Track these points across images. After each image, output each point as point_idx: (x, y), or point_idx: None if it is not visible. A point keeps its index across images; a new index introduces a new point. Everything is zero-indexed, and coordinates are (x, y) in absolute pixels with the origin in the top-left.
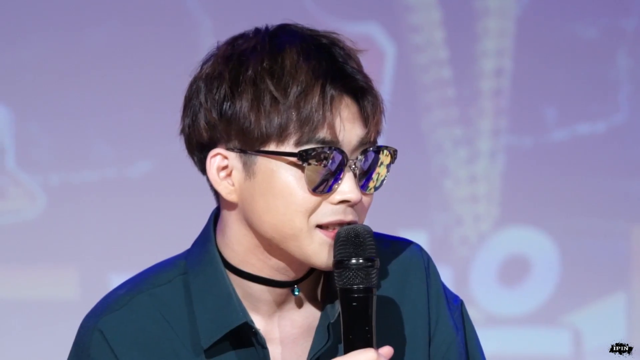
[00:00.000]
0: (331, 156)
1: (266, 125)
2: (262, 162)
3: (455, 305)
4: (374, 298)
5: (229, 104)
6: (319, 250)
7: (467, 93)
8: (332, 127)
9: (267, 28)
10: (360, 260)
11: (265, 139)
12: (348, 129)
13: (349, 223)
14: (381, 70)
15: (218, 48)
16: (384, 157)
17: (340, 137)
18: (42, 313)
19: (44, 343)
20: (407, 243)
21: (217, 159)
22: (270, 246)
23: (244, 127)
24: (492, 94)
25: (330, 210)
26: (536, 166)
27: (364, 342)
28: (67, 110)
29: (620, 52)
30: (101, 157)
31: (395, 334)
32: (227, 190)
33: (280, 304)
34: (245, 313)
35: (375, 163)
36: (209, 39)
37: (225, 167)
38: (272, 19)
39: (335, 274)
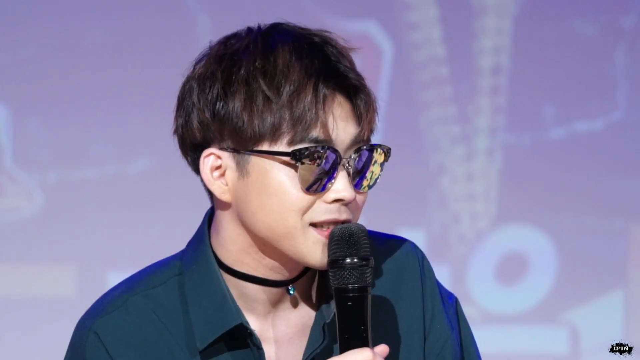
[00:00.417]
0: (324, 155)
1: (259, 125)
2: (255, 161)
3: (450, 303)
4: (369, 297)
5: (221, 103)
6: (313, 249)
7: (464, 91)
8: (325, 126)
9: (259, 27)
10: (355, 260)
11: (258, 138)
12: (341, 127)
13: (343, 222)
14: (378, 68)
15: (210, 48)
16: (378, 156)
17: (334, 136)
18: (40, 311)
19: (42, 341)
20: (401, 241)
21: (210, 158)
22: (265, 245)
23: (237, 127)
24: (489, 92)
25: (324, 209)
26: (534, 164)
27: (360, 342)
28: (65, 108)
29: (619, 49)
30: (99, 155)
31: (391, 332)
32: (220, 190)
33: (275, 303)
34: (240, 314)
35: (369, 161)
36: (207, 37)
37: (218, 167)
38: (270, 17)
39: (330, 274)
